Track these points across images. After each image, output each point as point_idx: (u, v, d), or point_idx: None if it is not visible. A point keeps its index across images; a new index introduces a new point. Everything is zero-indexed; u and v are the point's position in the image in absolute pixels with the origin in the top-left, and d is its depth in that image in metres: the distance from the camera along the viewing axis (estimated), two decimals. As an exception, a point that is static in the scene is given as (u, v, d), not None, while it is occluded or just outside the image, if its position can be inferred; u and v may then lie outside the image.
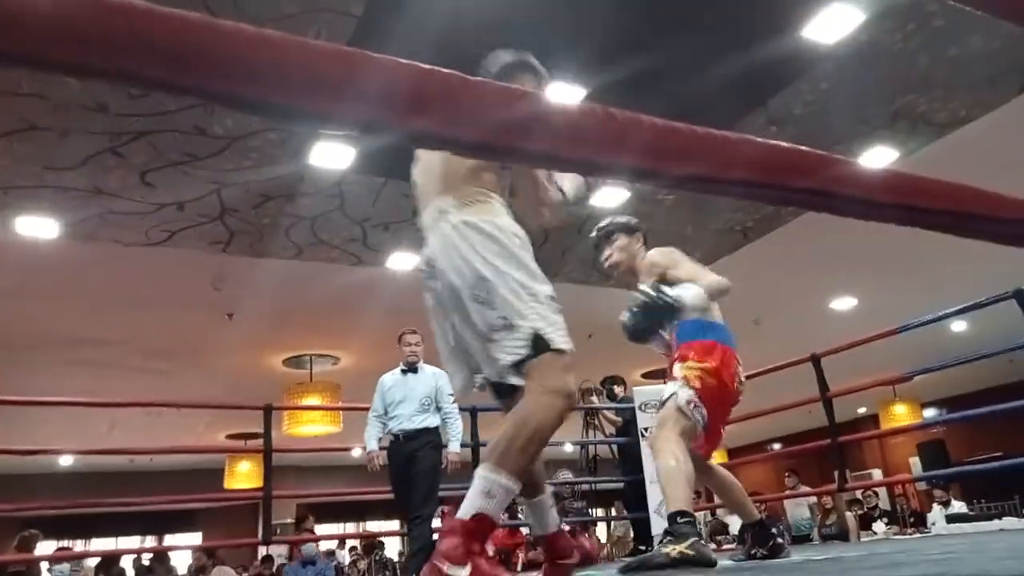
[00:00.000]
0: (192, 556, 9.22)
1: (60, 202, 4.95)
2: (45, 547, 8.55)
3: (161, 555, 9.10)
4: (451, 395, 4.61)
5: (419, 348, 4.64)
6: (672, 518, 2.61)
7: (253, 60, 0.73)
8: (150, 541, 13.15)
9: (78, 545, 12.06)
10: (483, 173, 2.07)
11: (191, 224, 5.41)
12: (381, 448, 4.60)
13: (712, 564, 2.47)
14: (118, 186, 4.86)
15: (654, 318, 2.86)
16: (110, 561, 9.02)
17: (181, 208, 5.20)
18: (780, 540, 3.23)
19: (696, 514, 2.94)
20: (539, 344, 1.85)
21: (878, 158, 5.23)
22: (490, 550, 1.66)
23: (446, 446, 4.61)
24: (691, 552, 2.42)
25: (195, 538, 12.81)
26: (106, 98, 4.06)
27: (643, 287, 2.90)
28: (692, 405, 2.80)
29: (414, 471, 4.34)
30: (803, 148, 1.05)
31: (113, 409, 8.80)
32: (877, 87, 4.60)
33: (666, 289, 2.85)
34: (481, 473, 1.74)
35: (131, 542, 13.00)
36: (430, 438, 4.47)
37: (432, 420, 4.55)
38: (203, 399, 8.27)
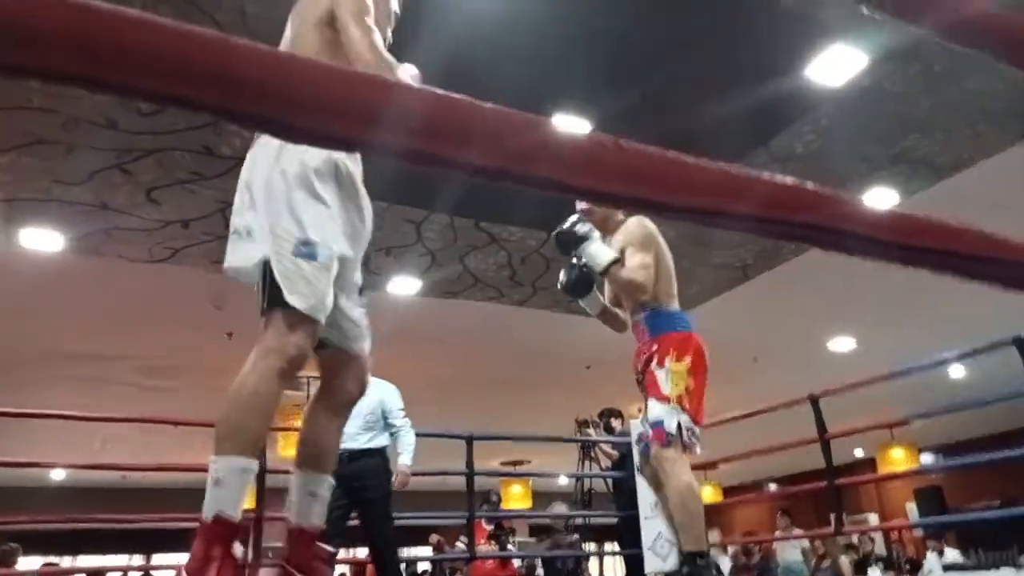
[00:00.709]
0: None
1: (66, 216, 4.97)
2: (31, 562, 8.44)
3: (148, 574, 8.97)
4: (401, 409, 4.40)
5: None
6: (692, 559, 2.53)
7: (267, 80, 0.74)
8: (138, 559, 12.98)
9: (65, 561, 11.91)
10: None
11: (195, 242, 5.44)
12: None
13: None
14: (124, 202, 4.89)
15: (565, 246, 2.80)
16: (96, 579, 8.89)
17: (185, 226, 5.22)
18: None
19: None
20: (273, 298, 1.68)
21: (879, 199, 5.26)
22: (237, 551, 1.55)
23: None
24: None
25: (185, 558, 12.65)
26: (116, 115, 4.10)
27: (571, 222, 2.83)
28: (689, 431, 2.70)
29: (365, 498, 4.05)
30: (808, 184, 1.07)
31: (106, 425, 8.74)
32: (879, 128, 4.65)
33: (595, 248, 2.78)
34: (209, 461, 1.57)
35: (119, 560, 12.83)
36: (377, 461, 4.16)
37: (379, 440, 4.24)
38: (200, 418, 8.20)
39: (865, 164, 4.98)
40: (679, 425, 2.66)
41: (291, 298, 1.65)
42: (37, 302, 6.10)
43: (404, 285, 6.36)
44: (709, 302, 6.84)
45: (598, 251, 2.79)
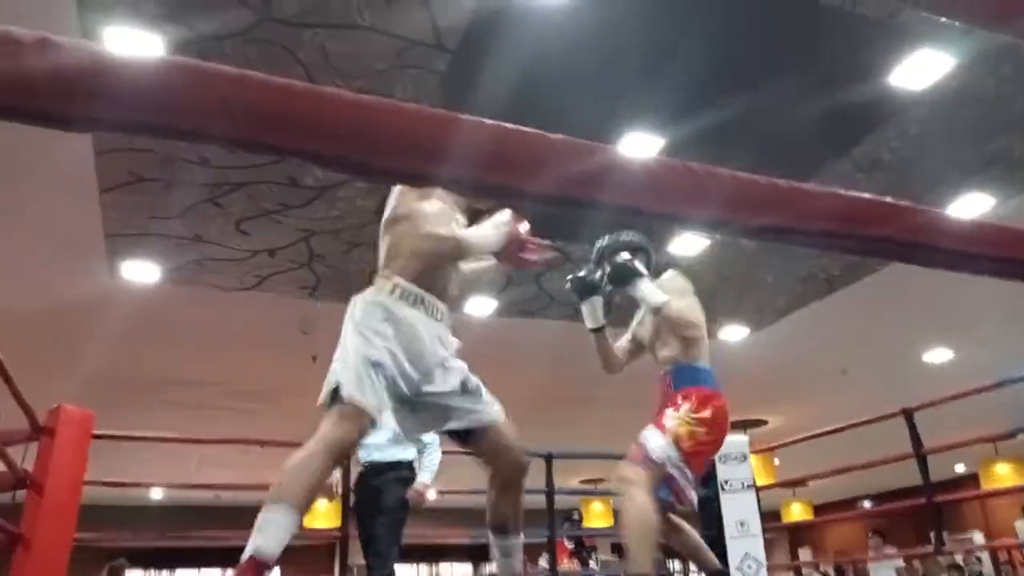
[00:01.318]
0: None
1: (162, 249, 5.25)
2: (134, 578, 8.84)
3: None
4: None
5: None
6: None
7: (350, 124, 0.79)
8: (230, 574, 13.44)
9: (164, 577, 12.45)
10: (391, 254, 2.34)
11: (281, 270, 5.65)
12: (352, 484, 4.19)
13: None
14: (216, 234, 5.13)
15: (619, 275, 2.98)
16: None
17: (272, 255, 5.44)
18: None
19: None
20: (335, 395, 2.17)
21: (973, 205, 5.04)
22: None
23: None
24: None
25: (274, 574, 13.04)
26: (208, 152, 4.32)
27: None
28: (677, 469, 2.70)
29: (378, 507, 3.83)
30: (883, 199, 1.05)
31: (200, 446, 9.13)
32: (969, 132, 4.45)
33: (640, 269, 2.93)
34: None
35: (213, 574, 13.31)
36: (400, 473, 3.96)
37: (407, 453, 4.02)
38: (285, 437, 8.47)
39: (957, 169, 4.78)
40: (667, 457, 2.68)
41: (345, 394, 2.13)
42: (137, 331, 6.44)
43: (480, 306, 6.43)
44: (793, 314, 6.66)
45: (653, 290, 2.92)
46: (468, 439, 2.28)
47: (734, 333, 7.16)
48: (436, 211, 2.27)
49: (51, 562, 3.83)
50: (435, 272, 2.27)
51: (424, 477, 4.05)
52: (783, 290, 6.37)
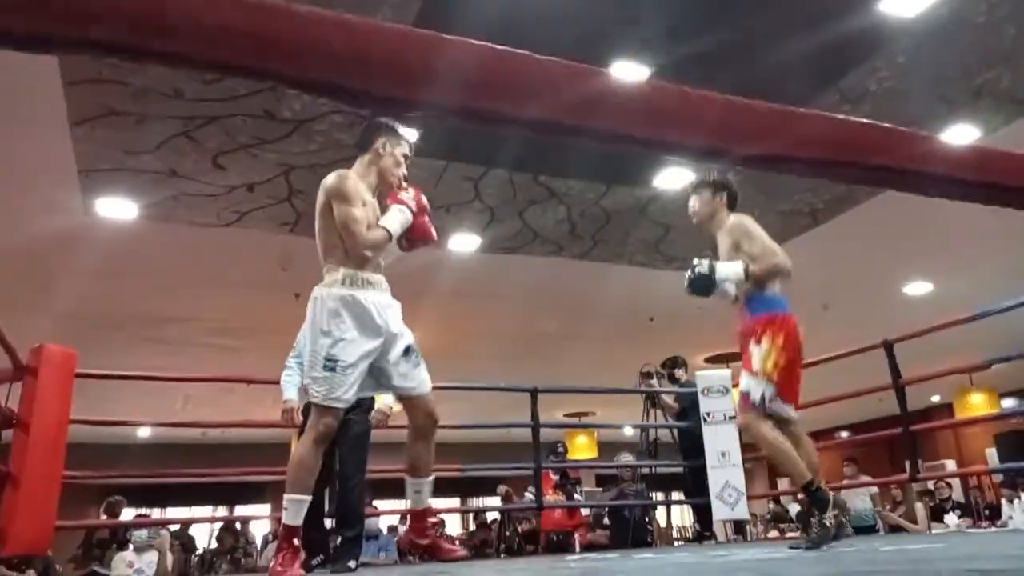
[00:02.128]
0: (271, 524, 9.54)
1: (137, 185, 5.15)
2: (124, 514, 8.96)
3: (233, 526, 9.43)
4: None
5: None
6: (808, 489, 3.02)
7: (333, 46, 0.74)
8: (222, 511, 13.67)
9: (154, 513, 12.63)
10: (331, 246, 2.81)
11: (260, 206, 5.56)
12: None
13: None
14: (191, 169, 5.03)
15: (699, 287, 3.26)
16: (184, 529, 9.40)
17: (251, 190, 5.34)
18: (827, 523, 3.11)
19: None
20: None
21: (959, 137, 5.01)
22: (296, 541, 2.74)
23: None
24: (834, 520, 2.93)
25: (265, 509, 13.26)
26: (182, 84, 4.19)
27: (695, 261, 3.29)
28: (775, 399, 3.12)
29: (345, 436, 3.74)
30: (880, 124, 1.02)
31: (187, 384, 9.15)
32: (958, 62, 4.40)
33: (715, 265, 3.24)
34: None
35: (204, 511, 13.53)
36: (364, 404, 3.87)
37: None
38: (272, 375, 8.50)
39: (944, 100, 4.74)
40: (763, 395, 3.09)
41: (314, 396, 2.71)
42: (115, 269, 6.37)
43: (464, 242, 6.39)
44: (775, 249, 6.68)
45: (729, 270, 3.21)
46: (399, 395, 2.92)
47: (717, 268, 7.17)
48: (363, 214, 2.79)
49: (40, 499, 3.85)
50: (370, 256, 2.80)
51: (388, 400, 4.02)
52: (767, 224, 6.32)
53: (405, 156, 3.04)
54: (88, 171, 4.95)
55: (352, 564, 3.57)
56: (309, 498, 2.70)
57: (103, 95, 4.22)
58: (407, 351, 2.81)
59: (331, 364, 2.64)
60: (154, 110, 4.39)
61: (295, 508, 2.68)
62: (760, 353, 3.15)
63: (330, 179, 2.91)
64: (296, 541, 2.70)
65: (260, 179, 5.22)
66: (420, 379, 2.86)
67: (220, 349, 8.67)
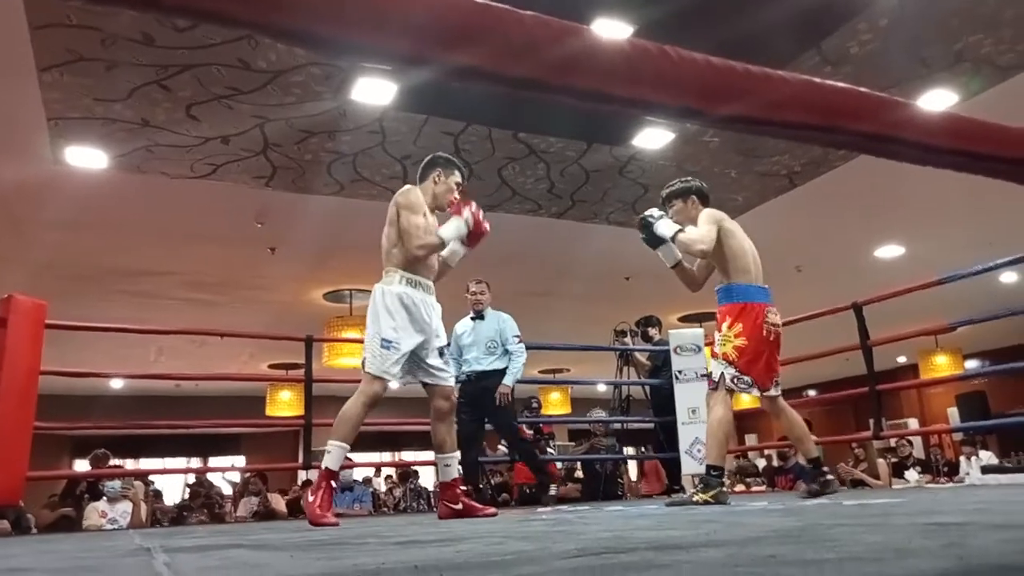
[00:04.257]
0: (241, 478, 9.59)
1: (108, 134, 5.03)
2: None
3: (206, 478, 9.45)
4: (515, 336, 5.23)
5: (482, 296, 5.28)
6: (707, 469, 3.42)
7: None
8: (196, 462, 13.70)
9: (127, 464, 12.63)
10: (394, 251, 3.38)
11: (235, 158, 5.47)
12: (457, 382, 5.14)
13: (724, 505, 3.22)
14: (164, 119, 4.92)
15: (642, 230, 3.68)
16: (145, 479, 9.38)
17: (225, 142, 5.25)
18: (830, 477, 3.73)
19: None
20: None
21: (937, 101, 5.04)
22: (335, 483, 3.24)
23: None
24: (712, 500, 3.26)
25: (239, 461, 13.32)
26: (152, 30, 4.07)
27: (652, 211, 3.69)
28: (736, 380, 3.47)
29: (489, 410, 5.12)
30: (861, 89, 1.02)
31: (160, 337, 9.09)
32: (940, 26, 4.40)
33: (660, 218, 3.63)
34: (328, 443, 3.19)
35: (177, 463, 13.55)
36: (495, 379, 5.09)
37: (498, 363, 5.13)
38: (246, 329, 8.50)
39: (923, 64, 4.75)
40: (722, 375, 3.48)
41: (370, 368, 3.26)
42: (86, 219, 6.26)
43: (442, 197, 6.35)
44: (752, 210, 6.72)
45: (665, 227, 3.58)
46: (426, 384, 3.44)
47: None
48: (422, 222, 3.33)
49: (13, 449, 3.83)
50: (424, 261, 3.40)
51: (508, 380, 5.10)
52: (744, 187, 6.39)
53: (457, 184, 3.62)
54: (57, 119, 4.83)
55: (548, 508, 4.74)
56: (348, 446, 3.18)
57: (71, 40, 4.09)
58: (441, 352, 3.41)
59: (386, 344, 3.21)
60: (125, 57, 4.27)
61: (337, 453, 3.15)
62: (720, 338, 3.54)
63: (401, 193, 3.43)
64: (334, 483, 3.19)
65: (235, 131, 5.12)
66: (448, 374, 3.47)
67: (195, 303, 8.60)
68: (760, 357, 3.50)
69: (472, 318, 5.27)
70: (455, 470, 3.48)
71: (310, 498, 3.23)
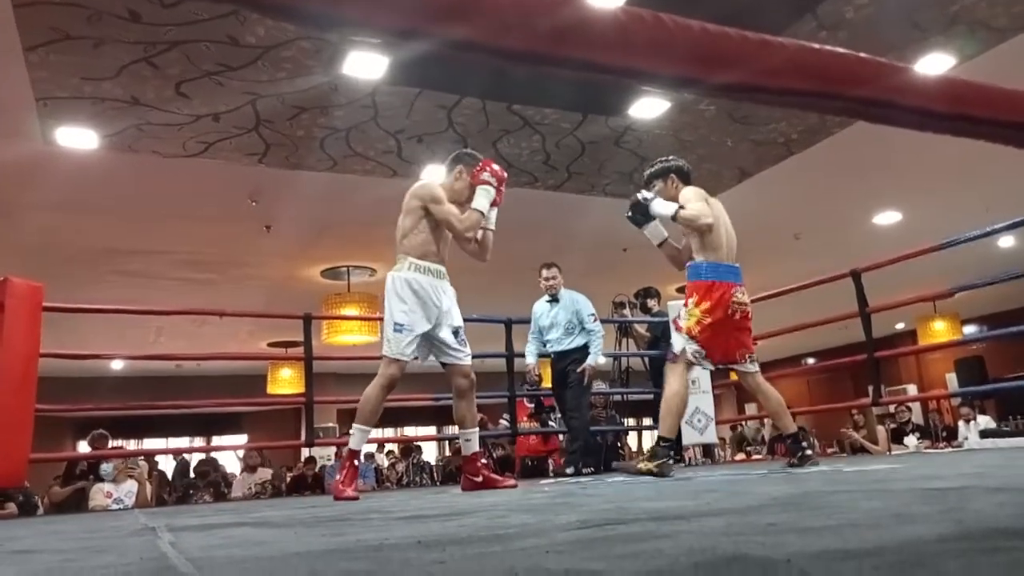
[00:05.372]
0: (240, 456, 9.67)
1: (98, 113, 4.98)
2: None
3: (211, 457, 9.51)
4: (591, 315, 5.45)
5: (554, 280, 5.50)
6: (657, 440, 3.55)
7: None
8: (199, 442, 13.78)
9: (131, 445, 12.70)
10: (404, 240, 3.52)
11: (227, 136, 5.42)
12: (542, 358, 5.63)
13: (665, 477, 3.36)
14: (154, 97, 4.86)
15: (634, 212, 3.83)
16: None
17: (217, 119, 5.20)
18: (809, 452, 3.76)
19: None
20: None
21: (933, 65, 4.99)
22: (357, 462, 3.42)
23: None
24: (656, 469, 3.39)
25: (241, 439, 13.40)
26: (138, 7, 4.01)
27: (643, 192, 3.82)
28: (697, 355, 3.57)
29: (568, 385, 5.40)
30: (854, 53, 1.01)
31: (159, 317, 9.08)
32: (936, -12, 4.34)
33: (656, 198, 3.74)
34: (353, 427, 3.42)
35: (180, 442, 13.63)
36: (576, 356, 5.37)
37: (578, 340, 5.40)
38: (245, 309, 8.50)
39: (919, 28, 4.69)
40: (683, 349, 3.58)
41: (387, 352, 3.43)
42: (78, 200, 6.22)
43: (437, 173, 6.31)
44: (750, 179, 6.69)
45: (662, 207, 3.68)
46: (444, 364, 3.58)
47: (691, 198, 7.17)
48: (456, 209, 3.55)
49: (14, 432, 3.85)
50: (433, 246, 3.52)
51: (590, 360, 5.33)
52: (741, 155, 6.36)
53: None
54: (45, 99, 4.77)
55: (570, 471, 5.29)
56: (371, 429, 3.40)
57: (56, 18, 4.03)
58: (456, 332, 3.53)
59: (399, 327, 3.37)
60: (111, 34, 4.21)
61: (360, 436, 3.38)
62: (686, 313, 3.64)
63: (422, 187, 3.60)
64: (356, 462, 3.40)
65: (226, 108, 5.07)
66: (465, 353, 3.57)
67: (191, 282, 8.58)
68: (719, 334, 3.59)
69: (548, 301, 5.51)
70: (475, 444, 3.66)
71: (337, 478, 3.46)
